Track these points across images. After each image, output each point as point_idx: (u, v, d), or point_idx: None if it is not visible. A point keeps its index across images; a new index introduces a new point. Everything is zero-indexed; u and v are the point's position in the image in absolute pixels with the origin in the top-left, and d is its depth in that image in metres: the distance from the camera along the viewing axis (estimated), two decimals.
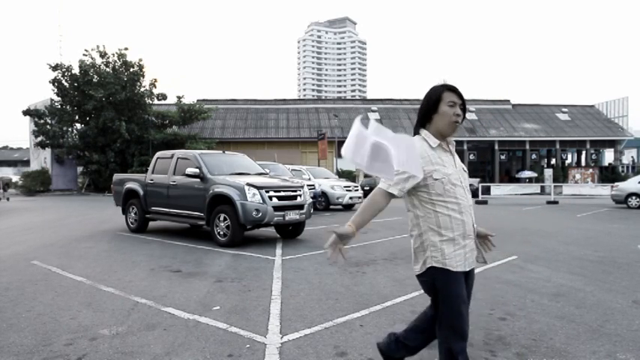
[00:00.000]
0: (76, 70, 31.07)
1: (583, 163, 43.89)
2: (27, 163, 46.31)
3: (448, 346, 2.23)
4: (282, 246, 7.84)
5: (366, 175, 32.87)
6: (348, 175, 31.18)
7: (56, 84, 30.99)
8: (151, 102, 33.43)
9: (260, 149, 35.37)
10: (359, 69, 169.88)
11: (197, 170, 8.14)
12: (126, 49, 32.46)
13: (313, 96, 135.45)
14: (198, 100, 39.56)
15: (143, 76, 32.67)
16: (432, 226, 2.22)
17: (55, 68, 30.86)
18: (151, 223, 10.08)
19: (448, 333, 2.23)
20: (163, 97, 33.37)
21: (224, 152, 9.83)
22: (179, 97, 33.92)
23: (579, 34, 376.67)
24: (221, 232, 7.72)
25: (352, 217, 2.16)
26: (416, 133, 2.33)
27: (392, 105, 45.69)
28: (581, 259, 6.66)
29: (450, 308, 2.20)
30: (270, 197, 7.81)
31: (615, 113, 44.63)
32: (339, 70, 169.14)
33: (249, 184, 7.66)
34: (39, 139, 31.99)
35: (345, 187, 16.34)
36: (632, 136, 42.59)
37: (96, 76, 31.06)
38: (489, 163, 44.62)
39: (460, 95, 2.25)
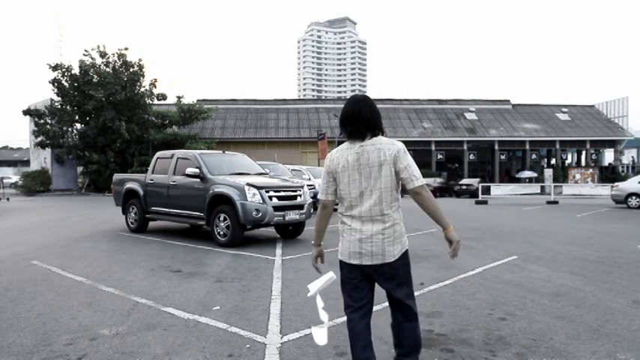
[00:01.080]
0: (76, 70, 31.05)
1: (583, 163, 43.90)
2: (27, 163, 46.29)
3: (416, 311, 2.59)
4: (282, 246, 7.84)
5: None
6: None
7: (56, 84, 30.96)
8: (150, 102, 33.41)
9: (260, 149, 35.37)
10: (359, 69, 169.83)
11: (197, 170, 8.13)
12: (126, 49, 32.46)
13: (313, 96, 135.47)
14: (198, 100, 39.56)
15: (143, 76, 32.65)
16: (401, 214, 2.55)
17: (55, 68, 30.83)
18: (151, 223, 10.08)
19: (414, 300, 2.61)
20: (163, 97, 33.35)
21: (224, 152, 9.83)
22: (179, 97, 33.92)
23: (579, 34, 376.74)
24: (221, 232, 7.72)
25: (444, 221, 2.45)
26: (377, 134, 2.59)
27: (392, 105, 45.67)
28: (581, 259, 6.66)
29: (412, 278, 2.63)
30: (270, 197, 7.80)
31: (615, 113, 44.64)
32: (339, 70, 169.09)
33: (249, 184, 7.66)
34: (39, 139, 31.97)
35: None
36: (632, 136, 42.59)
37: (96, 76, 31.04)
38: (489, 163, 44.63)
39: None
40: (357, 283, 2.54)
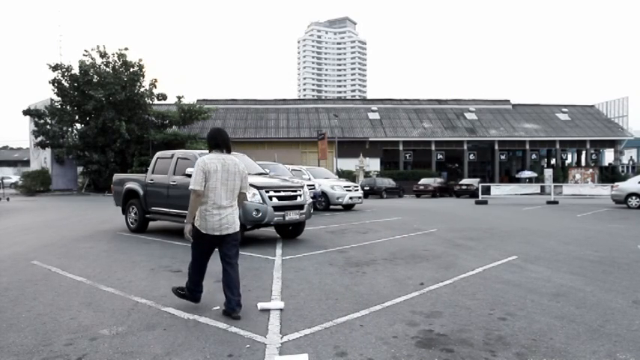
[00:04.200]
0: (76, 70, 31.06)
1: (583, 163, 43.92)
2: (27, 163, 46.31)
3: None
4: (282, 246, 7.84)
5: (366, 175, 32.86)
6: (348, 175, 31.14)
7: (56, 84, 30.97)
8: (150, 102, 33.43)
9: (260, 149, 35.37)
10: (359, 69, 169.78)
11: None
12: (126, 49, 32.47)
13: (313, 96, 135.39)
14: (198, 100, 39.60)
15: (143, 76, 32.66)
16: (236, 203, 4.30)
17: (55, 68, 30.84)
18: (151, 223, 10.07)
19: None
20: (163, 97, 33.36)
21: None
22: (179, 97, 33.92)
23: (579, 33, 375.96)
24: None
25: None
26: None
27: (392, 105, 45.69)
28: (581, 259, 6.66)
29: None
30: (270, 197, 7.80)
31: (615, 113, 44.64)
32: (339, 70, 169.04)
33: (249, 184, 7.64)
34: (39, 139, 31.97)
35: (345, 187, 16.34)
36: (632, 136, 42.61)
37: (96, 76, 31.04)
38: (489, 163, 44.64)
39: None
40: (211, 246, 4.09)
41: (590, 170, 36.24)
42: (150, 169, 9.54)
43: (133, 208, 9.71)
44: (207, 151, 4.30)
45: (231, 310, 3.90)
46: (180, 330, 3.59)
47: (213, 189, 3.89)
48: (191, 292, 4.20)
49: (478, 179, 31.52)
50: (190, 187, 3.87)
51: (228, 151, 4.09)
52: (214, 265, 6.20)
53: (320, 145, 33.22)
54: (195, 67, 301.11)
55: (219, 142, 4.04)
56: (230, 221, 4.02)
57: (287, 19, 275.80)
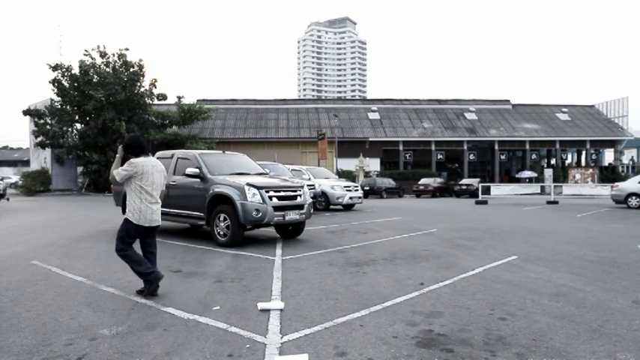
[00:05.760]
0: (76, 70, 31.03)
1: (583, 163, 43.93)
2: (27, 163, 46.30)
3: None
4: (282, 246, 7.84)
5: (366, 175, 32.87)
6: (348, 175, 31.14)
7: (56, 84, 30.94)
8: (151, 102, 33.40)
9: (260, 149, 35.37)
10: (359, 69, 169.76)
11: (197, 170, 8.13)
12: (126, 49, 32.43)
13: (313, 96, 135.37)
14: (198, 100, 39.58)
15: (143, 76, 32.63)
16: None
17: (55, 68, 30.81)
18: None
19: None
20: (163, 97, 33.34)
21: (224, 152, 9.82)
22: (179, 97, 33.90)
23: (579, 33, 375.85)
24: (221, 232, 7.72)
25: None
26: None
27: (392, 105, 45.70)
28: (581, 259, 6.66)
29: None
30: (270, 197, 7.80)
31: (615, 113, 44.64)
32: (339, 70, 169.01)
33: (249, 184, 7.65)
34: (39, 139, 31.95)
35: (345, 187, 16.34)
36: (632, 136, 42.61)
37: (96, 76, 31.00)
38: (489, 163, 44.64)
39: None
40: (138, 235, 4.62)
41: (590, 170, 36.24)
42: None
43: None
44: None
45: (150, 289, 4.57)
46: (181, 330, 3.59)
47: (149, 187, 4.51)
48: (146, 278, 4.55)
49: (478, 179, 31.52)
50: (115, 174, 4.52)
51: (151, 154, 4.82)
52: (214, 265, 6.22)
53: (320, 145, 33.23)
54: (195, 67, 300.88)
55: (143, 147, 4.63)
56: (158, 215, 4.65)
57: (287, 19, 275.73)
